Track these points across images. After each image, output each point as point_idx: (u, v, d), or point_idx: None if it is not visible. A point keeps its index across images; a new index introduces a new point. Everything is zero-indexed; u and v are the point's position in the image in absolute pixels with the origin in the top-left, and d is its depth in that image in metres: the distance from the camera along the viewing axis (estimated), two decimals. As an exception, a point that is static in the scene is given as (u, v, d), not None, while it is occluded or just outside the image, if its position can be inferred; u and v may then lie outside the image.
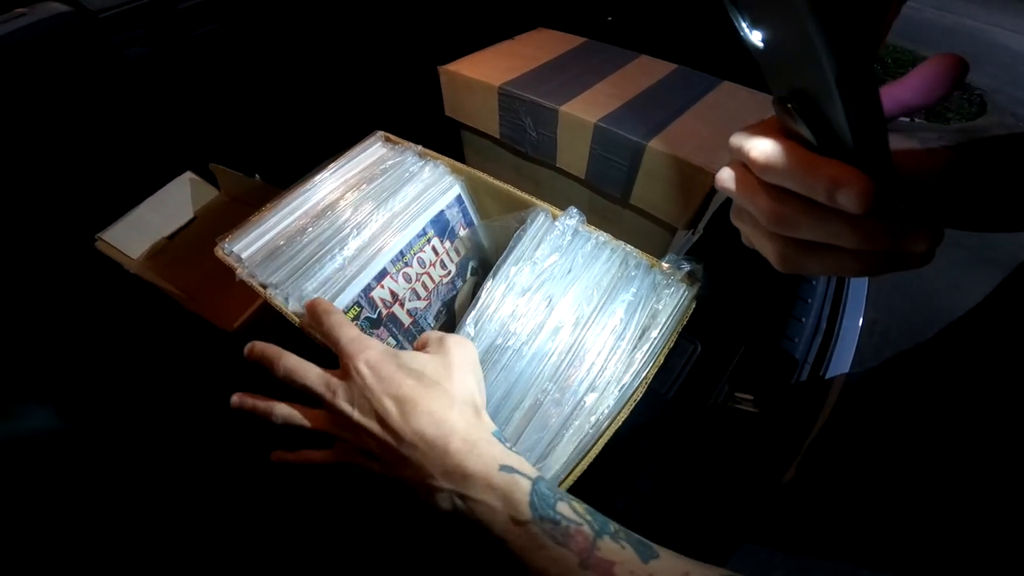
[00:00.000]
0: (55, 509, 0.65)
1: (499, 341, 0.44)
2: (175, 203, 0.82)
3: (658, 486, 0.53)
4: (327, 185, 0.50)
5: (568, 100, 0.61)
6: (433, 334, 0.38)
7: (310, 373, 0.35)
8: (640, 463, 0.53)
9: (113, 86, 0.91)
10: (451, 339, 0.38)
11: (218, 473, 0.65)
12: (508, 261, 0.45)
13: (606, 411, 0.43)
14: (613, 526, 0.30)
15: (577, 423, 0.43)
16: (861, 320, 0.64)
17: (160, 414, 0.73)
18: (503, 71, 0.68)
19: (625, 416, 0.43)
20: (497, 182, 0.53)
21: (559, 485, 0.41)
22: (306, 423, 0.36)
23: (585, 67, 0.69)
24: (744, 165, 0.25)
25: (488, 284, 0.44)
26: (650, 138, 0.55)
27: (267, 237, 0.46)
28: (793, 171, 0.22)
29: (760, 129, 0.23)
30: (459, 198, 0.54)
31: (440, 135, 0.74)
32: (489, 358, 0.45)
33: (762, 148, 0.22)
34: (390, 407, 0.32)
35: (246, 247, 0.45)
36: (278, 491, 0.60)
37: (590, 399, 0.44)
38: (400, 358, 0.35)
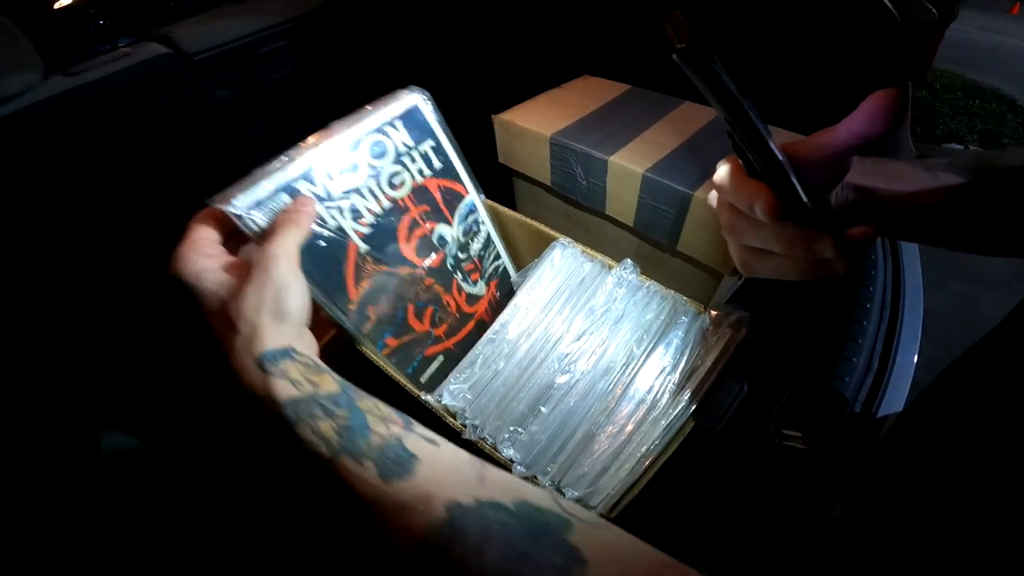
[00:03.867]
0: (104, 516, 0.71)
1: (558, 379, 0.48)
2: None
3: (704, 519, 0.54)
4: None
5: (617, 150, 0.65)
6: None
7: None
8: (687, 497, 0.55)
9: (204, 124, 1.01)
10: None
11: (278, 491, 0.70)
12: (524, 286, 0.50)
13: (655, 444, 0.46)
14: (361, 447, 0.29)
15: (626, 454, 0.46)
16: (916, 357, 0.64)
17: (231, 436, 0.78)
18: (554, 120, 0.72)
19: (673, 450, 0.45)
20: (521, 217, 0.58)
21: (611, 510, 0.43)
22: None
23: (632, 115, 0.73)
24: None
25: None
26: (696, 187, 0.58)
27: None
28: (730, 189, 0.28)
29: (729, 158, 0.29)
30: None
31: (494, 181, 0.79)
32: (545, 393, 0.48)
33: (719, 172, 0.28)
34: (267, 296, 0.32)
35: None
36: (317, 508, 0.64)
37: (639, 433, 0.46)
38: (297, 278, 0.34)
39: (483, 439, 0.48)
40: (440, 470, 0.28)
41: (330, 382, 0.31)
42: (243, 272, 0.33)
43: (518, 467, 0.46)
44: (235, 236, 0.37)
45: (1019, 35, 3.74)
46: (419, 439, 0.29)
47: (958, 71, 3.13)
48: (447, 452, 0.30)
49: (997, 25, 3.88)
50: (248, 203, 0.37)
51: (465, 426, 0.48)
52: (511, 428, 0.48)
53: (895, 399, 0.59)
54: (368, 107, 0.48)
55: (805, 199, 0.26)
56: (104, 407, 0.84)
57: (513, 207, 0.67)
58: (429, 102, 0.51)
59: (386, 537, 0.26)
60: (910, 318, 0.67)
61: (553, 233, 0.55)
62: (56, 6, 1.29)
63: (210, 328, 0.33)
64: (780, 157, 0.25)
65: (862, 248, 0.28)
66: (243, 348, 0.31)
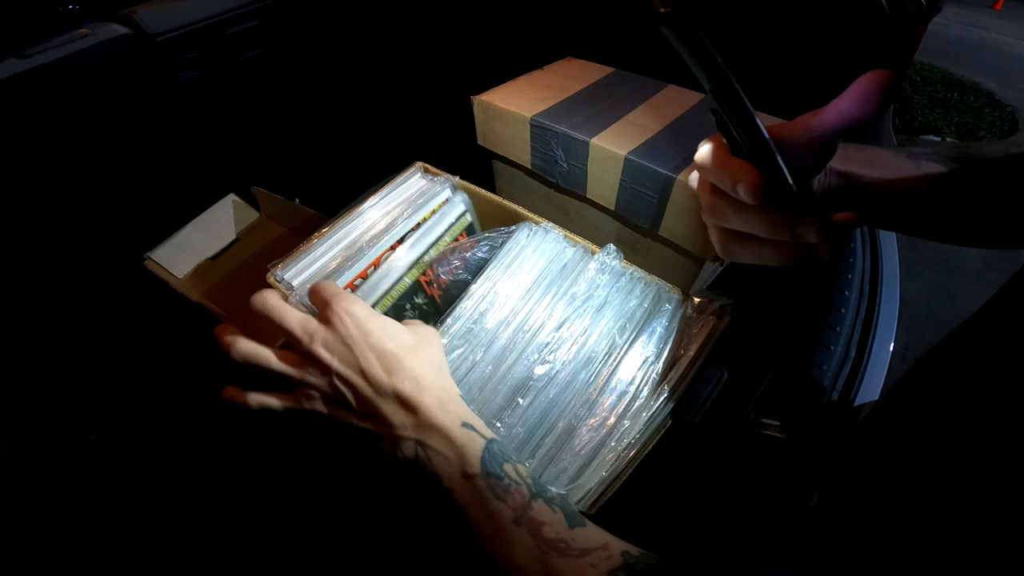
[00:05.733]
0: (92, 514, 0.69)
1: (537, 370, 0.46)
2: (219, 224, 0.87)
3: (682, 508, 0.53)
4: (371, 215, 0.53)
5: (599, 132, 0.63)
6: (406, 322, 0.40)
7: (289, 315, 0.34)
8: (665, 486, 0.54)
9: (168, 108, 0.96)
10: (421, 325, 0.40)
11: (254, 487, 0.68)
12: (491, 265, 0.49)
13: (636, 437, 0.44)
14: (551, 493, 0.33)
15: (608, 447, 0.45)
16: (892, 346, 0.64)
17: (200, 430, 0.76)
18: (535, 102, 0.70)
19: (655, 442, 0.44)
20: (501, 199, 0.57)
21: (591, 506, 0.42)
22: (275, 366, 0.35)
23: (615, 97, 0.71)
24: None
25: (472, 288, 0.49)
26: (680, 171, 0.56)
27: (317, 265, 0.49)
28: (713, 168, 0.27)
29: (711, 137, 0.27)
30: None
31: (473, 163, 0.77)
32: (524, 384, 0.47)
33: (701, 151, 0.27)
34: (373, 360, 0.34)
35: (297, 275, 0.48)
36: (308, 504, 0.63)
37: (621, 425, 0.45)
38: (382, 319, 0.36)
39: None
40: (593, 525, 0.32)
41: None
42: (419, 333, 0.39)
43: (495, 462, 0.44)
44: None
45: (1001, 30, 3.82)
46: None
47: (938, 64, 3.19)
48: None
49: (979, 20, 3.95)
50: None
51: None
52: (489, 422, 0.46)
53: (871, 388, 0.60)
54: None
55: (791, 181, 0.25)
56: (79, 404, 0.81)
57: (492, 189, 0.64)
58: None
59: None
60: (887, 307, 0.67)
61: (534, 216, 0.53)
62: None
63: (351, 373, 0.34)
64: (766, 135, 0.23)
65: (845, 234, 0.28)
66: (447, 413, 0.34)
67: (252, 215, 0.89)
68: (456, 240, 0.57)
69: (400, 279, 0.51)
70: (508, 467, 0.33)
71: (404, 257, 0.51)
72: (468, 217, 0.58)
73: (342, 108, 1.20)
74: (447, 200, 0.56)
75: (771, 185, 0.24)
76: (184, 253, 0.82)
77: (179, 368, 0.80)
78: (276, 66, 1.12)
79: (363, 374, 0.34)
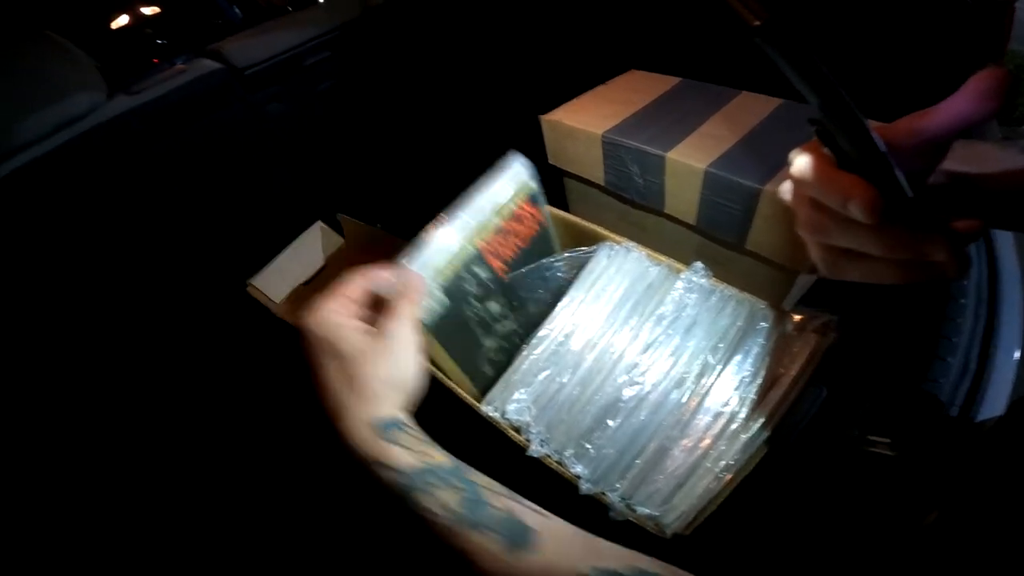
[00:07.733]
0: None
1: (625, 392, 0.46)
2: (309, 251, 0.93)
3: (785, 529, 0.51)
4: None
5: (674, 145, 0.62)
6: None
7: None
8: (767, 510, 0.52)
9: (258, 139, 1.04)
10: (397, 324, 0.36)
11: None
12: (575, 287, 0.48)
13: (734, 458, 0.43)
14: (486, 514, 0.30)
15: (704, 468, 0.44)
16: (1017, 354, 0.58)
17: (297, 451, 0.81)
18: (604, 118, 0.70)
19: (754, 464, 0.43)
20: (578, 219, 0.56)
21: (687, 527, 0.42)
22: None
23: (686, 109, 0.70)
24: None
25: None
26: (765, 181, 0.54)
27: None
28: (816, 183, 0.24)
29: (808, 146, 0.25)
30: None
31: (543, 182, 0.78)
32: (613, 406, 0.47)
33: (798, 163, 0.25)
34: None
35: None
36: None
37: (718, 447, 0.44)
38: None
39: (548, 455, 0.47)
40: (556, 541, 0.30)
41: (439, 455, 0.33)
42: (376, 341, 0.35)
43: (585, 483, 0.45)
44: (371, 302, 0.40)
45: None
46: (530, 511, 0.31)
47: (1032, 51, 2.84)
48: (558, 524, 0.31)
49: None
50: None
51: (530, 441, 0.47)
52: (577, 443, 0.47)
53: (996, 401, 0.54)
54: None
55: (910, 194, 0.23)
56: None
57: (565, 208, 0.65)
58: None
59: None
60: (1008, 312, 0.62)
61: (614, 236, 0.53)
62: (113, 26, 1.35)
63: (314, 377, 0.35)
64: (883, 148, 0.21)
65: (969, 244, 0.25)
66: (361, 411, 0.33)
67: (337, 241, 0.95)
68: (519, 207, 0.52)
69: (459, 247, 0.46)
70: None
71: (457, 224, 0.46)
72: (532, 184, 0.53)
73: (414, 134, 1.25)
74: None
75: (888, 201, 0.22)
76: (280, 279, 0.88)
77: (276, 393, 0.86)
78: (350, 95, 1.18)
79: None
